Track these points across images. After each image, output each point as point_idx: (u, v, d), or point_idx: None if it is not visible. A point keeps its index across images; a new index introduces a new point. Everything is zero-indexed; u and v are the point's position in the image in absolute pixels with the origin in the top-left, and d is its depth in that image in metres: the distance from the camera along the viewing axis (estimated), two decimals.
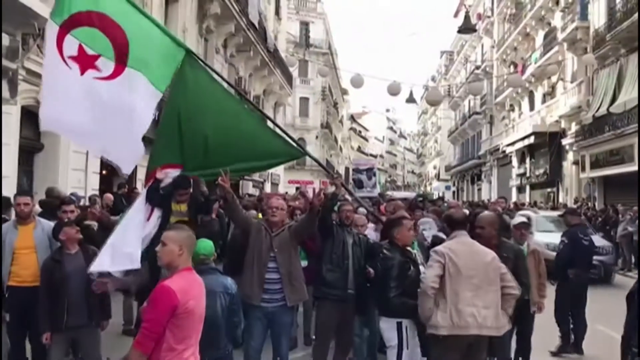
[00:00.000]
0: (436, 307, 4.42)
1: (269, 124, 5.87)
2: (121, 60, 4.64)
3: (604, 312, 8.60)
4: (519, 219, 6.38)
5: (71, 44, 4.57)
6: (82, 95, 4.62)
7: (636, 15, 18.27)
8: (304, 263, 6.75)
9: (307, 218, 5.34)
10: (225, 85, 5.69)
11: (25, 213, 5.65)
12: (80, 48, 4.57)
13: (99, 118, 4.67)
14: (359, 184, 14.99)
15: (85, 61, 4.59)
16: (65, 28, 4.56)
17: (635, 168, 17.83)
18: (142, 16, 4.91)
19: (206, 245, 4.55)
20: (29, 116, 9.64)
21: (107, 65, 4.64)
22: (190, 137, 4.94)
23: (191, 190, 5.53)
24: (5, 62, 7.87)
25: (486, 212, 5.73)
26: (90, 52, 4.59)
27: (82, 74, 4.61)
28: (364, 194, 14.27)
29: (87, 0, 4.61)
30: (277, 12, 31.49)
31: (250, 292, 5.04)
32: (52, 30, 4.61)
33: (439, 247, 4.61)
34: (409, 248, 5.24)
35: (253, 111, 5.60)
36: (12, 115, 8.63)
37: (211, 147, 4.92)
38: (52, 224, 5.79)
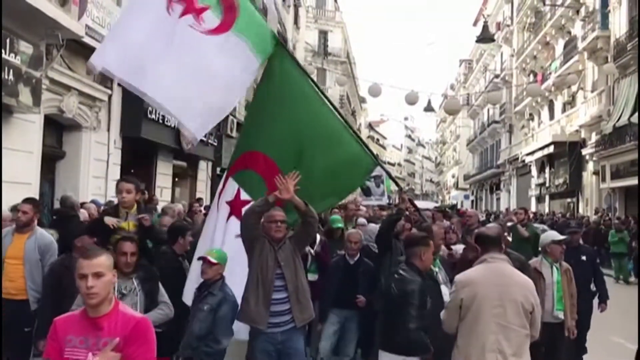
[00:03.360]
0: (456, 347, 3.77)
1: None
2: (227, 22, 4.55)
3: (622, 325, 8.51)
4: (558, 235, 5.98)
5: None
6: (170, 41, 4.40)
7: None
8: (314, 277, 6.38)
9: (302, 223, 4.67)
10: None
11: (21, 221, 5.33)
12: None
13: (183, 74, 4.49)
14: (367, 192, 14.69)
15: (191, 6, 4.45)
16: None
17: None
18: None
19: (224, 253, 4.63)
20: (52, 124, 9.85)
21: (212, 20, 4.50)
22: (282, 129, 4.90)
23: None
24: (29, 71, 8.04)
25: (490, 225, 5.69)
26: (199, 3, 4.46)
27: (180, 16, 4.42)
28: (372, 202, 14.02)
29: None
30: (296, 21, 31.68)
31: (257, 315, 4.44)
32: None
33: (458, 276, 3.89)
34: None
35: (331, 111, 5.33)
36: (36, 123, 8.81)
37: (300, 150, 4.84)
38: (47, 235, 5.52)
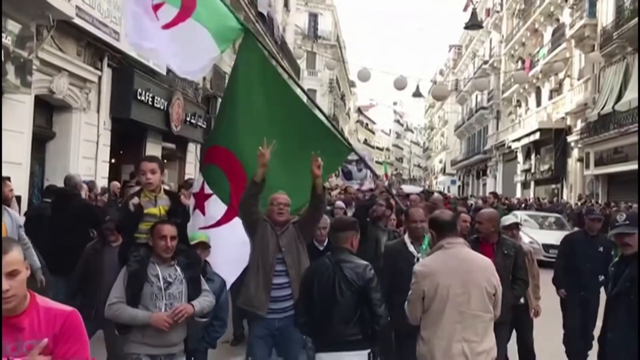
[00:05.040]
0: (421, 339, 3.63)
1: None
2: (186, 11, 4.65)
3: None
4: (510, 218, 6.13)
5: None
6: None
7: None
8: None
9: (310, 206, 4.58)
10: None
11: (9, 199, 5.46)
12: None
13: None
14: (348, 176, 14.70)
15: (149, 6, 4.59)
16: None
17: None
18: None
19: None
20: (42, 105, 9.88)
21: (169, 13, 4.62)
22: (249, 127, 4.89)
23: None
24: (18, 51, 8.06)
25: (486, 209, 5.84)
26: (154, 2, 4.57)
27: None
28: (352, 185, 14.06)
29: None
30: (286, 3, 31.53)
31: (256, 300, 4.33)
32: None
33: (416, 266, 3.72)
34: (413, 250, 4.63)
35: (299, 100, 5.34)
36: (26, 104, 8.84)
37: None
38: (12, 211, 5.57)
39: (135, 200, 4.08)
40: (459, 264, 3.56)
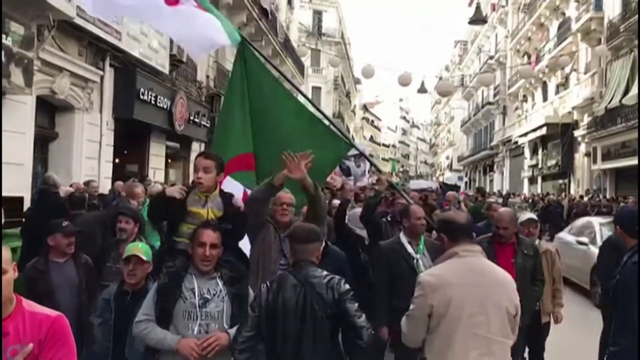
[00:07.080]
0: None
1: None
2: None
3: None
4: (527, 215, 5.87)
5: None
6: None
7: None
8: None
9: (311, 208, 4.21)
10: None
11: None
12: None
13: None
14: (347, 172, 14.22)
15: None
16: None
17: None
18: None
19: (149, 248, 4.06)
20: (44, 106, 9.87)
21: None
22: (257, 127, 4.79)
23: None
24: (20, 52, 8.04)
25: (505, 208, 5.61)
26: None
27: None
28: (351, 181, 13.67)
29: None
30: (290, 1, 31.46)
31: None
32: None
33: (424, 276, 3.09)
34: (411, 251, 4.36)
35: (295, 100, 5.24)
36: (28, 104, 8.83)
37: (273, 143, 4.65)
38: None
39: (177, 192, 3.62)
40: (477, 277, 2.96)
